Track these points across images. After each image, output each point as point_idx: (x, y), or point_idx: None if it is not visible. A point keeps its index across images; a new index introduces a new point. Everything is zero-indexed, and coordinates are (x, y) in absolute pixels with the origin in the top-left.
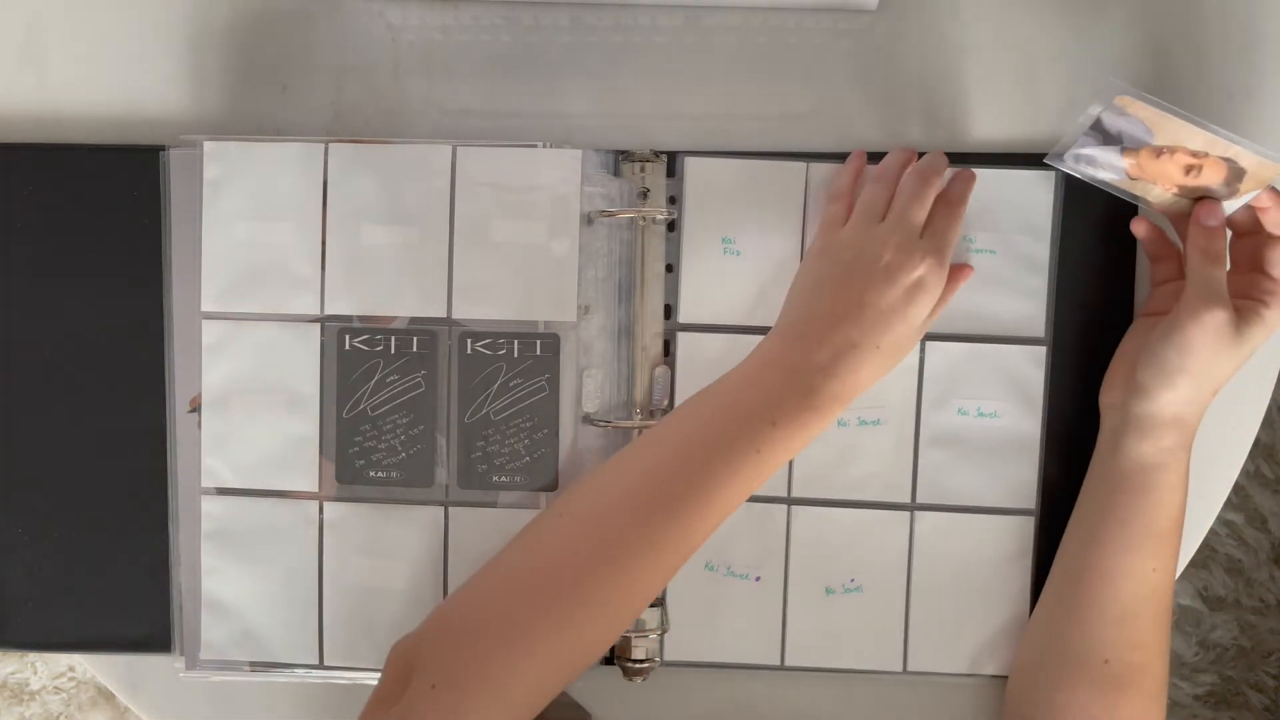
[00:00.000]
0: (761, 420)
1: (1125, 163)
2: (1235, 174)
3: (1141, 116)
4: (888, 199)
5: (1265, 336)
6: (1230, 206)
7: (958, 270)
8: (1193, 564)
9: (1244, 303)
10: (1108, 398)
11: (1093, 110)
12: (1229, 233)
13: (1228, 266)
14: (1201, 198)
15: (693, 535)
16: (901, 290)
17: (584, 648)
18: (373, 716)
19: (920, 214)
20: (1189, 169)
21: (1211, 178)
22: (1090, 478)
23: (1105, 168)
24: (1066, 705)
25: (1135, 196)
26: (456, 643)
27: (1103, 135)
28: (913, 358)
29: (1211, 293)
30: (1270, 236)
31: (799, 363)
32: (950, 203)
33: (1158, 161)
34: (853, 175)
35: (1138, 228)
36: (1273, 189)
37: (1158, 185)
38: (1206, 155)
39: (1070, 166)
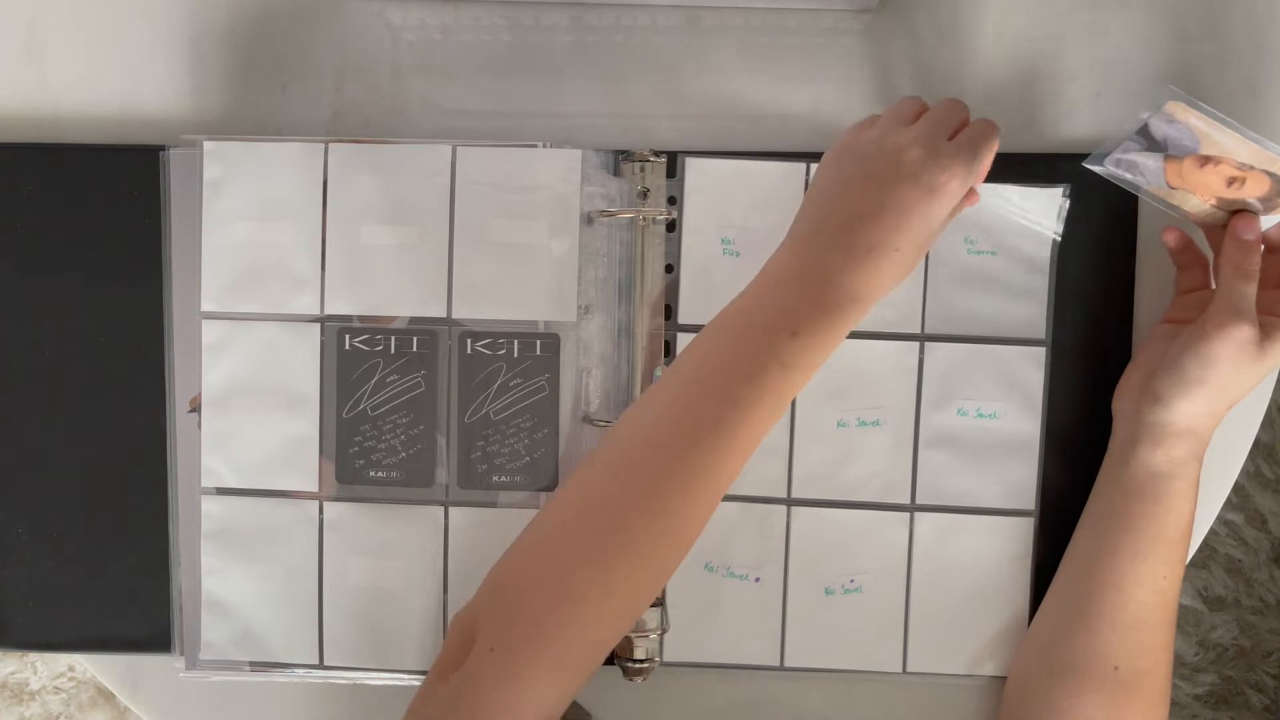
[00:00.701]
0: (781, 331)
1: (1166, 171)
2: (1278, 189)
3: (1190, 124)
4: (918, 112)
5: (1277, 362)
6: (1269, 222)
7: (968, 193)
8: (1193, 564)
9: (1269, 319)
10: (1122, 404)
11: (1142, 115)
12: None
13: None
14: (1238, 210)
15: (727, 463)
16: (924, 190)
17: (632, 597)
18: (433, 685)
19: (950, 121)
20: (1232, 180)
21: (1254, 190)
22: (1100, 484)
23: (1145, 174)
24: (1071, 711)
25: (1172, 205)
26: (509, 604)
27: (1148, 141)
28: (912, 358)
29: (1240, 307)
30: None
31: (814, 268)
32: (985, 122)
33: (1200, 172)
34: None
35: (1169, 237)
36: None
37: (1196, 195)
38: (1252, 168)
39: (1109, 171)
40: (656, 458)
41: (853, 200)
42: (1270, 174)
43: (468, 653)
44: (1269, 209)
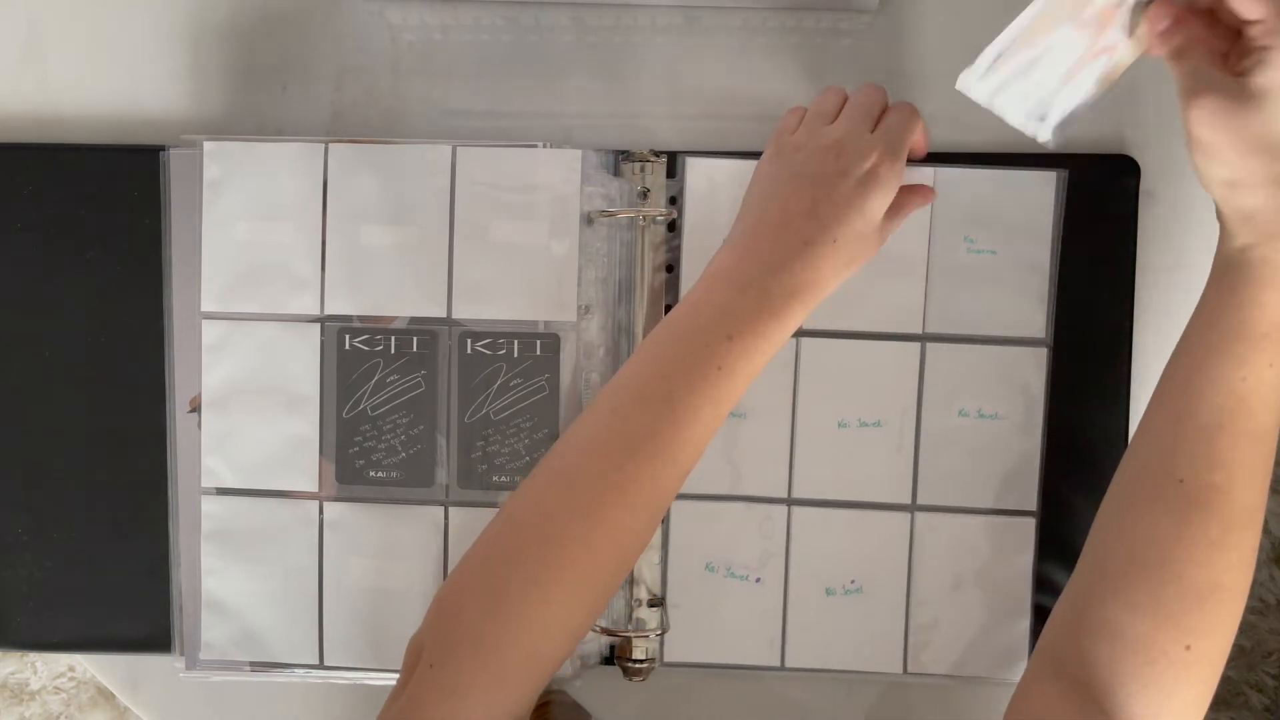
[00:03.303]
0: (717, 335)
1: (1078, 70)
2: None
3: (1016, 28)
4: (838, 106)
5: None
6: None
7: (920, 188)
8: None
9: (1243, 64)
10: (1205, 181)
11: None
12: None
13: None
14: (1140, 8)
15: (665, 471)
16: (853, 181)
17: (571, 608)
18: (385, 707)
19: (872, 110)
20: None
21: None
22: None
23: (1080, 90)
24: (1133, 525)
25: (1110, 79)
26: (449, 620)
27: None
28: (912, 359)
29: (1189, 87)
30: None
31: (750, 269)
32: (904, 106)
33: (1095, 31)
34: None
35: (1158, 29)
36: None
37: (1127, 40)
38: None
39: (1066, 136)
40: (593, 468)
41: (785, 199)
42: None
43: (412, 675)
44: None
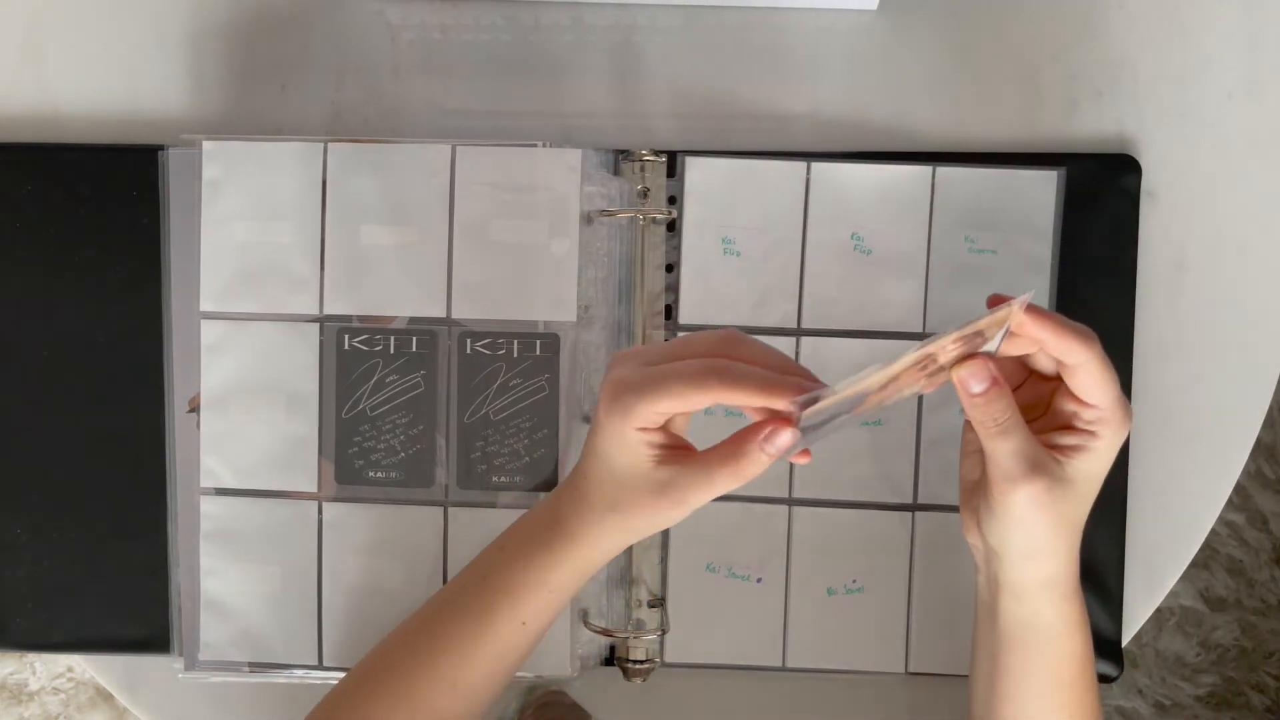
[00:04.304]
0: (491, 547)
1: (864, 406)
2: (972, 336)
3: (834, 401)
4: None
5: (1108, 462)
6: (993, 346)
7: (734, 454)
8: (1194, 564)
9: (1065, 440)
10: (970, 536)
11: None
12: (1007, 389)
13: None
14: (962, 359)
15: (440, 696)
16: (602, 408)
17: None
18: None
19: (672, 346)
20: (924, 364)
21: (951, 353)
22: (977, 621)
23: (838, 421)
24: None
25: (899, 402)
26: None
27: (821, 427)
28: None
29: (1014, 469)
30: (1064, 366)
31: (544, 504)
32: (694, 366)
33: (887, 390)
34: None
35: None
36: (1034, 319)
37: (912, 388)
38: (931, 350)
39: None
40: (375, 701)
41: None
42: (957, 337)
43: None
44: (981, 344)
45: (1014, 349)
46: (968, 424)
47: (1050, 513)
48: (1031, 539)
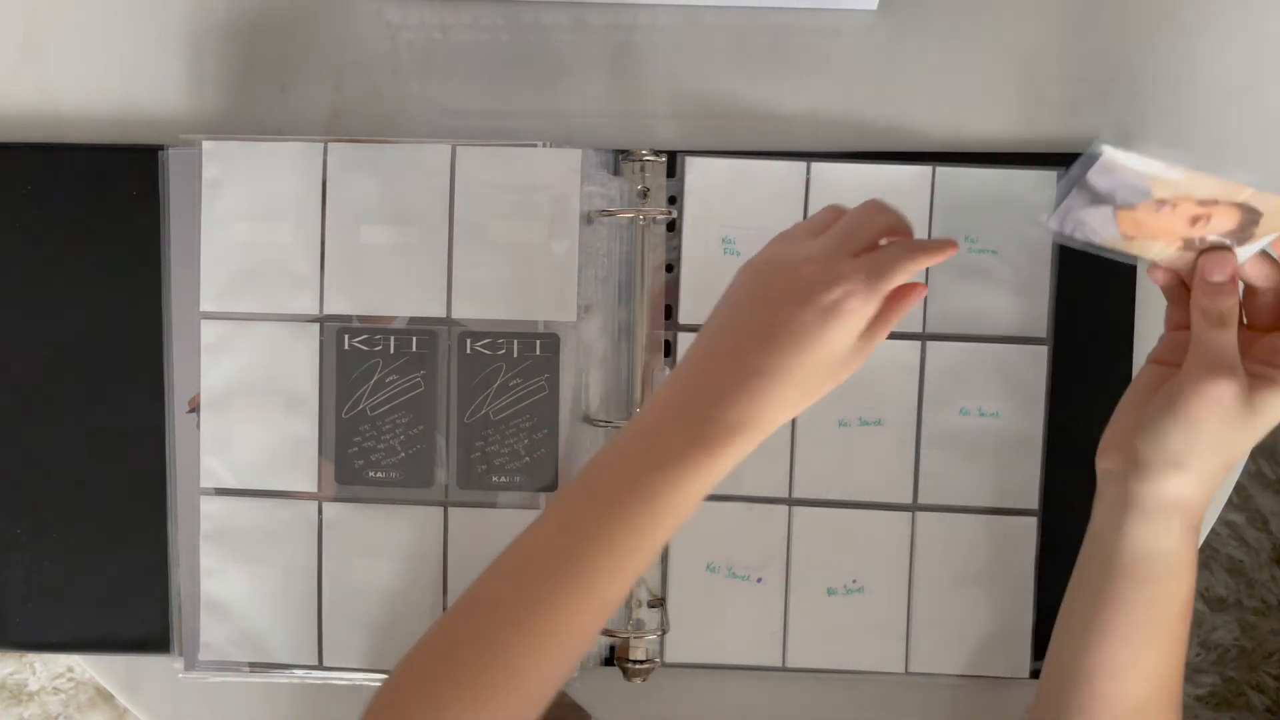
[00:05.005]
0: (645, 467)
1: (1117, 225)
2: (1250, 217)
3: (1136, 170)
4: (831, 222)
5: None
6: (1244, 253)
7: (910, 290)
8: None
9: (1262, 369)
10: (1106, 462)
11: (1074, 173)
12: (1241, 287)
13: (1243, 321)
14: (1210, 248)
15: (584, 604)
16: (817, 311)
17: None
18: None
19: (860, 234)
20: (1196, 219)
21: (1222, 224)
22: (1087, 553)
23: (1097, 229)
24: None
25: (1134, 257)
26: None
27: (1092, 195)
28: (912, 358)
29: (1217, 360)
30: None
31: (693, 398)
32: (905, 243)
33: (1159, 215)
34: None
35: (1156, 275)
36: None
37: (1160, 241)
38: (1216, 202)
39: (1062, 234)
40: (512, 594)
41: (744, 322)
42: (1238, 204)
43: None
44: (1242, 241)
45: (1259, 276)
46: (1176, 324)
47: (1223, 420)
48: (1192, 442)
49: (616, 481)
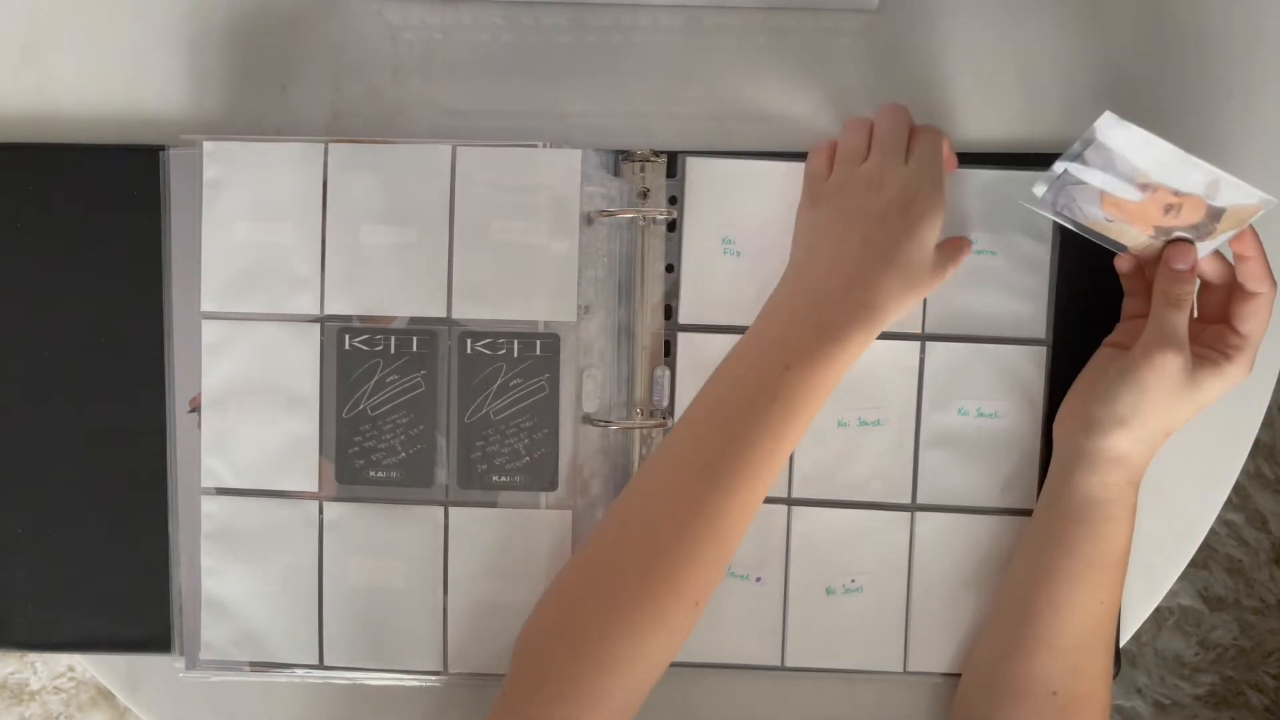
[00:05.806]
0: (773, 367)
1: (1103, 206)
2: (1213, 215)
3: (1127, 140)
4: (865, 142)
5: (1222, 389)
6: (1205, 249)
7: (960, 241)
8: (1193, 564)
9: (1206, 352)
10: (1061, 428)
11: (1075, 148)
12: (1198, 281)
13: (1194, 313)
14: (1175, 240)
15: (732, 515)
16: (897, 211)
17: (650, 655)
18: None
19: (899, 140)
20: (1169, 208)
21: (1190, 216)
22: (1040, 507)
23: (1083, 207)
24: None
25: (1110, 240)
26: (531, 657)
27: (1086, 166)
28: (912, 358)
29: (1169, 336)
30: (1241, 290)
31: (804, 301)
32: (928, 132)
33: (1138, 203)
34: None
35: (1122, 264)
36: (1255, 236)
37: (1134, 227)
38: (1188, 195)
39: (1050, 206)
40: (655, 507)
41: (835, 239)
42: (1206, 201)
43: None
44: (1206, 234)
45: (1213, 273)
46: (1131, 313)
47: (1167, 389)
48: (1138, 404)
49: (744, 388)
